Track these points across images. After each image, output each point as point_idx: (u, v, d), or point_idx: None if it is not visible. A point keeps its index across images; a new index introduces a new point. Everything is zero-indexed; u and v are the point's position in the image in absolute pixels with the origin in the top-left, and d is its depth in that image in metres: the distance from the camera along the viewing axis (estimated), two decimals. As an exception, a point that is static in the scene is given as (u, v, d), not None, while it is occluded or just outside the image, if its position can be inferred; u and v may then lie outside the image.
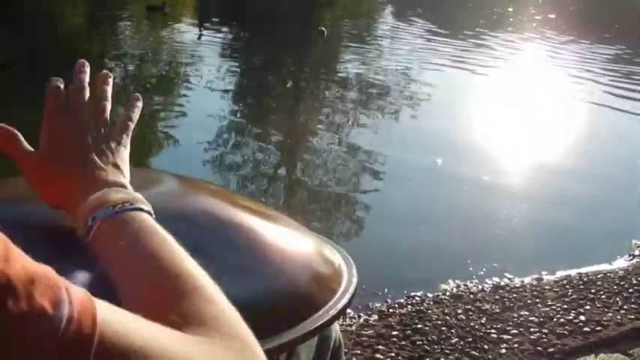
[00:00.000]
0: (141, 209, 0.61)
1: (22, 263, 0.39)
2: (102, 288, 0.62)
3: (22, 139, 0.69)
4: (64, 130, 0.69)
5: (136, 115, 0.77)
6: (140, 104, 0.78)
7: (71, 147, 0.68)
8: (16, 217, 0.72)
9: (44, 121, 0.69)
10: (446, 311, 2.52)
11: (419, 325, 2.38)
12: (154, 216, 0.62)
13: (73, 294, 0.40)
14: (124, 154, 0.71)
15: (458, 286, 2.87)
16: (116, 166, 0.68)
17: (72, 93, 0.72)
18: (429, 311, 2.52)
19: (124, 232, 0.58)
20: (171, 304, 0.51)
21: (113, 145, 0.70)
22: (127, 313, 0.44)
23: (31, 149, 0.68)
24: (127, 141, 0.72)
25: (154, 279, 0.54)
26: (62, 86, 0.72)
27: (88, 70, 0.75)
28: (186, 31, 10.44)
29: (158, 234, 0.58)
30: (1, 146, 0.69)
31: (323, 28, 10.66)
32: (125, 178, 0.67)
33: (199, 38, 9.75)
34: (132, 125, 0.74)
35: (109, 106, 0.74)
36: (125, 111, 0.75)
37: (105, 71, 0.77)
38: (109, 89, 0.75)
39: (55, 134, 0.69)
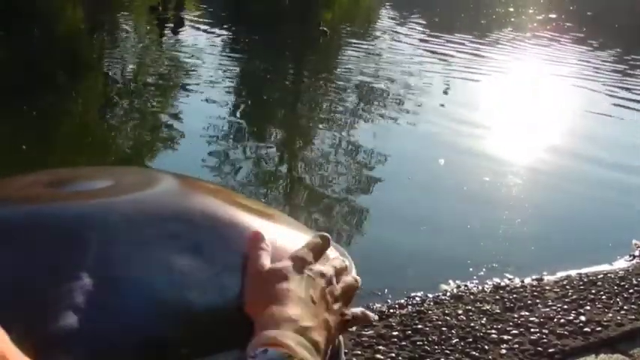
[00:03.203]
0: None
1: None
2: (102, 288, 0.62)
3: (269, 249, 0.70)
4: (308, 271, 0.69)
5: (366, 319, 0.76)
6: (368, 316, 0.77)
7: (303, 286, 0.67)
8: (16, 217, 0.71)
9: (297, 252, 0.70)
10: (446, 312, 2.51)
11: (419, 326, 2.38)
12: None
13: None
14: (337, 330, 0.69)
15: (458, 287, 2.87)
16: (327, 325, 0.66)
17: (331, 258, 0.74)
18: (430, 312, 2.52)
19: None
20: None
21: (336, 311, 0.69)
22: None
23: (269, 262, 0.69)
24: (346, 327, 0.71)
25: None
26: (330, 240, 0.74)
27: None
28: (186, 30, 10.43)
29: None
30: (251, 244, 0.69)
31: (325, 28, 10.63)
32: (324, 341, 0.64)
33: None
34: (351, 296, 0.73)
35: (353, 291, 0.73)
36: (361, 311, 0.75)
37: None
38: (354, 284, 0.75)
39: (299, 268, 0.68)
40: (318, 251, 0.72)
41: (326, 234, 0.74)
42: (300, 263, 0.69)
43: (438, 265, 3.13)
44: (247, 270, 0.68)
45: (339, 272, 0.73)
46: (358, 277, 0.76)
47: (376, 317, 0.76)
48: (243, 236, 0.71)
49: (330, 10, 14.95)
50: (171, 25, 10.82)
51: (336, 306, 0.69)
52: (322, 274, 0.69)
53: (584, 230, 3.81)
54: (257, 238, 0.70)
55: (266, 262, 0.68)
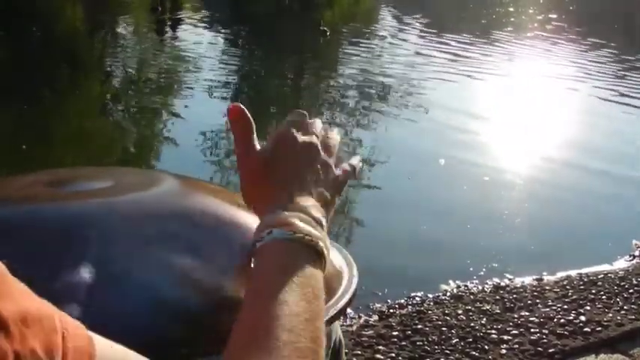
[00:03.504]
0: (315, 251, 0.60)
1: (16, 299, 0.37)
2: (102, 288, 0.62)
3: (254, 131, 0.69)
4: (296, 146, 0.69)
5: (358, 171, 0.76)
6: (360, 165, 0.77)
7: (295, 163, 0.68)
8: (16, 217, 0.71)
9: (279, 131, 0.71)
10: (446, 312, 2.51)
11: (419, 326, 2.38)
12: (326, 264, 0.61)
13: (69, 338, 0.39)
14: (335, 199, 0.70)
15: (458, 287, 2.87)
16: (324, 199, 0.67)
17: (311, 122, 0.74)
18: (430, 312, 2.52)
19: (279, 261, 0.58)
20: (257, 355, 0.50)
21: (331, 182, 0.70)
22: (128, 352, 0.43)
23: (257, 146, 0.69)
24: (342, 188, 0.72)
25: (260, 321, 0.53)
26: (307, 114, 0.74)
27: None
28: (186, 31, 10.43)
29: (308, 284, 0.56)
30: (233, 130, 0.69)
31: (325, 28, 10.62)
32: (324, 218, 0.65)
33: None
34: (351, 172, 0.74)
35: (337, 148, 0.74)
36: (349, 163, 0.75)
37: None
38: (338, 141, 0.75)
39: (286, 145, 0.69)
40: (299, 126, 0.72)
41: (301, 110, 0.74)
42: (286, 141, 0.69)
43: (438, 265, 3.13)
44: (237, 156, 0.68)
45: (324, 139, 0.73)
46: (336, 134, 0.76)
47: (360, 165, 0.74)
48: (244, 236, 0.71)
49: (331, 9, 14.95)
50: (170, 25, 10.82)
51: (329, 175, 0.70)
52: (309, 147, 0.70)
53: (584, 230, 3.81)
54: (241, 118, 0.69)
55: (254, 144, 0.69)
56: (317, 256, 0.60)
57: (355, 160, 0.76)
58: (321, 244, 0.60)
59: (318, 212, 0.64)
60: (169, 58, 8.35)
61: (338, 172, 0.72)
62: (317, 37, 10.48)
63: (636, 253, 3.34)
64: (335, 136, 0.75)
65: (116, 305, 0.62)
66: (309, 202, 0.64)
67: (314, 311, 0.55)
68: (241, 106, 0.69)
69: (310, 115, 0.75)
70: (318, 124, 0.75)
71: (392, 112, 6.26)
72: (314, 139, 0.71)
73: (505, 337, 2.32)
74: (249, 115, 0.69)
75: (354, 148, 5.05)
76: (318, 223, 0.63)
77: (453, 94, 7.11)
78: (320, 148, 0.71)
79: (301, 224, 0.60)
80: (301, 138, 0.70)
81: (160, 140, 5.17)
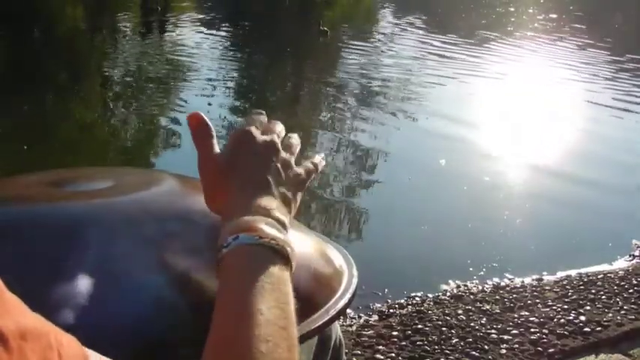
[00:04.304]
0: (282, 255, 0.59)
1: (13, 315, 0.38)
2: (102, 288, 0.62)
3: (215, 135, 0.70)
4: (255, 147, 0.69)
5: (320, 168, 0.77)
6: (323, 162, 0.78)
7: (255, 164, 0.68)
8: (16, 217, 0.72)
9: (237, 132, 0.71)
10: (446, 311, 2.51)
11: (419, 326, 2.38)
12: (293, 267, 0.60)
13: (64, 354, 0.39)
14: (298, 196, 0.71)
15: (458, 287, 2.87)
16: (286, 200, 0.68)
17: (271, 122, 0.75)
18: (430, 311, 2.52)
19: (247, 266, 0.58)
20: None
21: (293, 181, 0.70)
22: None
23: (217, 149, 0.69)
24: (305, 185, 0.73)
25: (237, 332, 0.53)
26: (265, 114, 0.75)
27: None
28: (186, 31, 10.43)
29: (278, 289, 0.56)
30: (193, 136, 0.69)
31: (326, 28, 10.61)
32: (288, 217, 0.66)
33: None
34: (313, 175, 0.75)
35: (298, 147, 0.75)
36: (311, 161, 0.76)
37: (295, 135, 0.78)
38: (298, 142, 0.77)
39: (245, 147, 0.69)
40: (258, 125, 0.73)
41: (259, 110, 0.75)
42: (245, 143, 0.69)
43: (438, 265, 3.13)
44: (198, 162, 0.68)
45: (286, 139, 0.74)
46: (296, 136, 0.77)
47: (323, 162, 0.75)
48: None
49: (331, 9, 14.95)
50: (170, 25, 10.82)
51: (290, 173, 0.70)
52: (268, 146, 0.70)
53: (584, 230, 3.81)
54: (200, 125, 0.70)
55: (215, 149, 0.69)
56: (284, 260, 0.59)
57: (317, 158, 0.76)
58: (287, 247, 0.60)
59: (281, 214, 0.64)
60: (169, 57, 8.34)
61: (300, 170, 0.72)
62: (317, 37, 10.47)
63: (636, 253, 3.34)
64: (296, 136, 0.76)
65: (116, 305, 0.62)
66: (272, 204, 0.64)
67: (287, 318, 0.55)
68: (200, 113, 0.70)
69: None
70: (278, 125, 0.75)
71: (392, 112, 6.26)
72: (273, 137, 0.71)
73: (505, 337, 2.32)
74: (208, 121, 0.70)
75: (354, 148, 5.05)
76: (282, 225, 0.63)
77: (454, 95, 7.11)
78: (279, 146, 0.71)
79: (267, 228, 0.60)
80: (260, 137, 0.70)
81: (160, 140, 5.17)
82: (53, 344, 0.40)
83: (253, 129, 0.71)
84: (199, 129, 0.70)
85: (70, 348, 0.42)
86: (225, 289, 0.57)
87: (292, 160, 0.72)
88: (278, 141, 0.71)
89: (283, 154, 0.71)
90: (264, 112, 0.75)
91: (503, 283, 2.90)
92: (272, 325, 0.52)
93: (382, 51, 9.94)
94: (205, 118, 0.70)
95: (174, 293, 0.64)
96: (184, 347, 0.62)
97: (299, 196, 0.71)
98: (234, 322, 0.53)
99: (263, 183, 0.66)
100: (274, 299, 0.55)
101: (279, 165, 0.69)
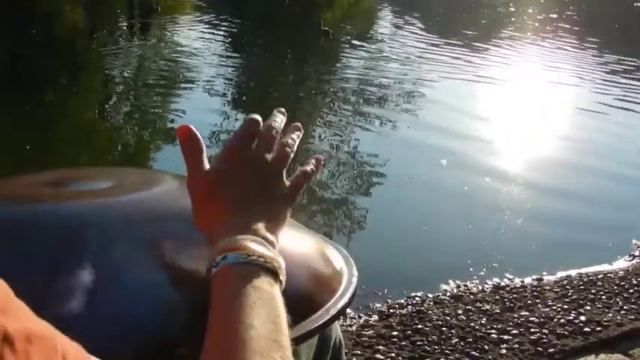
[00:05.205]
0: (271, 271, 0.60)
1: (20, 319, 0.38)
2: (102, 287, 0.62)
3: (204, 150, 0.68)
4: (245, 162, 0.68)
5: (318, 170, 0.75)
6: (314, 167, 0.75)
7: (244, 180, 0.67)
8: (16, 217, 0.72)
9: (228, 145, 0.69)
10: (446, 311, 2.51)
11: (419, 326, 2.38)
12: (283, 282, 0.61)
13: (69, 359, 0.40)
14: (287, 211, 0.69)
15: (458, 287, 2.87)
16: (275, 217, 0.67)
17: (265, 131, 0.71)
18: (430, 311, 2.52)
19: (237, 285, 0.58)
20: None
21: (282, 195, 0.69)
22: None
23: (207, 165, 0.67)
24: (294, 199, 0.71)
25: (230, 347, 0.53)
26: (260, 122, 0.72)
27: (284, 116, 0.75)
28: (185, 30, 10.43)
29: (268, 304, 0.57)
30: (182, 150, 0.68)
31: (327, 28, 10.59)
32: (276, 235, 0.66)
33: None
34: (304, 184, 0.73)
35: (291, 156, 0.72)
36: (302, 168, 0.74)
37: (298, 123, 0.77)
38: (297, 141, 0.74)
39: (235, 162, 0.68)
40: (250, 137, 0.70)
41: (253, 117, 0.72)
42: (235, 158, 0.68)
43: (438, 265, 3.13)
44: (187, 177, 0.67)
45: (280, 147, 0.71)
46: (295, 135, 0.74)
47: (321, 164, 0.73)
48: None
49: (331, 10, 14.95)
50: (170, 25, 10.82)
51: (279, 188, 0.69)
52: (258, 162, 0.68)
53: (584, 230, 3.81)
54: (189, 140, 0.68)
55: (204, 164, 0.67)
56: (273, 276, 0.60)
57: (309, 166, 0.74)
58: (275, 264, 0.60)
59: (269, 231, 0.64)
60: (169, 57, 8.34)
61: (289, 183, 0.70)
62: (318, 38, 10.47)
63: (636, 253, 3.34)
64: (294, 137, 0.74)
65: (116, 305, 0.62)
66: (261, 222, 0.64)
67: (279, 330, 0.55)
68: (190, 126, 0.68)
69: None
70: (275, 125, 0.73)
71: (393, 112, 6.26)
72: (261, 152, 0.69)
73: (505, 337, 2.32)
74: (198, 135, 0.68)
75: (354, 148, 5.05)
76: (270, 242, 0.63)
77: (454, 95, 7.11)
78: (269, 159, 0.69)
79: (254, 246, 0.61)
80: (249, 153, 0.69)
81: (160, 140, 5.17)
82: (58, 349, 0.40)
83: (243, 143, 0.69)
84: (189, 143, 0.68)
85: (77, 355, 0.42)
86: (216, 308, 0.58)
87: (284, 173, 0.70)
88: (268, 155, 0.69)
89: (274, 167, 0.69)
90: (258, 118, 0.72)
91: (503, 283, 2.90)
92: (264, 338, 0.53)
93: (383, 51, 9.93)
94: (195, 131, 0.68)
95: (174, 293, 0.64)
96: (184, 347, 0.62)
97: (289, 210, 0.69)
98: (226, 339, 0.54)
99: (251, 200, 0.66)
100: (265, 314, 0.56)
101: (268, 180, 0.68)
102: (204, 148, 0.68)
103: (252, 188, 0.67)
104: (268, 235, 0.64)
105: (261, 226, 0.64)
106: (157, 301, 0.64)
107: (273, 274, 0.60)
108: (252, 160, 0.68)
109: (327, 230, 3.52)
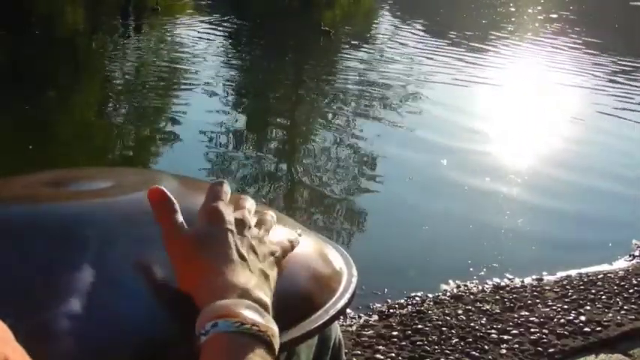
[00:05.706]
0: (264, 340, 0.56)
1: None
2: (101, 288, 0.62)
3: (179, 210, 0.65)
4: (225, 221, 0.66)
5: (295, 245, 0.73)
6: (298, 240, 0.74)
7: (227, 240, 0.64)
8: (16, 217, 0.72)
9: (206, 205, 0.67)
10: (446, 311, 2.51)
11: (419, 326, 2.38)
12: (277, 350, 0.58)
13: None
14: (274, 274, 0.66)
15: (458, 287, 2.87)
16: (265, 275, 0.64)
17: (240, 198, 0.72)
18: (430, 311, 2.51)
19: (228, 356, 0.55)
20: None
21: (267, 256, 0.67)
22: None
23: (185, 225, 0.64)
24: (280, 262, 0.69)
25: None
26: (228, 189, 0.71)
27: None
28: (186, 31, 10.43)
29: None
30: (156, 212, 0.65)
31: (328, 28, 10.58)
32: (268, 295, 0.62)
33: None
34: (289, 246, 0.71)
35: (273, 224, 0.72)
36: (287, 238, 0.73)
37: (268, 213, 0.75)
38: (274, 218, 0.73)
39: (214, 221, 0.66)
40: (227, 200, 0.69)
41: (221, 180, 0.72)
42: (214, 218, 0.66)
43: (438, 265, 3.14)
44: (163, 239, 0.64)
45: (260, 215, 0.71)
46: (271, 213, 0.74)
47: (300, 235, 0.74)
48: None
49: (331, 10, 14.95)
50: (170, 25, 10.82)
51: (264, 249, 0.67)
52: (240, 222, 0.67)
53: (583, 230, 3.81)
54: (162, 201, 0.65)
55: (180, 225, 0.64)
56: (266, 346, 0.56)
57: (293, 235, 0.73)
58: (269, 332, 0.57)
59: (261, 293, 0.61)
60: (169, 57, 8.35)
61: (275, 247, 0.69)
62: (318, 38, 10.47)
63: (636, 253, 3.34)
64: (271, 212, 0.74)
65: (115, 305, 0.62)
66: (250, 283, 0.61)
67: None
68: (161, 187, 0.66)
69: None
70: (248, 200, 0.72)
71: (393, 112, 6.27)
72: (244, 212, 0.68)
73: (505, 337, 2.32)
74: (170, 195, 0.65)
75: (354, 148, 5.05)
76: (264, 306, 0.60)
77: (455, 96, 7.11)
78: (251, 223, 0.68)
79: (247, 312, 0.57)
80: (231, 213, 0.67)
81: (160, 140, 5.17)
82: None
83: (222, 204, 0.67)
84: (161, 205, 0.65)
85: None
86: None
87: (266, 237, 0.69)
88: (249, 216, 0.68)
89: (256, 231, 0.68)
90: (226, 185, 0.71)
91: (503, 283, 2.90)
92: None
93: (383, 51, 9.94)
94: (167, 192, 0.65)
95: (174, 293, 0.64)
96: (184, 347, 0.62)
97: (275, 273, 0.66)
98: None
99: (238, 260, 0.63)
100: None
101: (253, 242, 0.66)
102: (178, 208, 0.65)
103: (237, 249, 0.64)
104: (262, 296, 0.60)
105: (252, 288, 0.60)
106: (156, 302, 0.64)
107: (267, 343, 0.57)
108: (235, 222, 0.66)
109: (326, 230, 3.53)
